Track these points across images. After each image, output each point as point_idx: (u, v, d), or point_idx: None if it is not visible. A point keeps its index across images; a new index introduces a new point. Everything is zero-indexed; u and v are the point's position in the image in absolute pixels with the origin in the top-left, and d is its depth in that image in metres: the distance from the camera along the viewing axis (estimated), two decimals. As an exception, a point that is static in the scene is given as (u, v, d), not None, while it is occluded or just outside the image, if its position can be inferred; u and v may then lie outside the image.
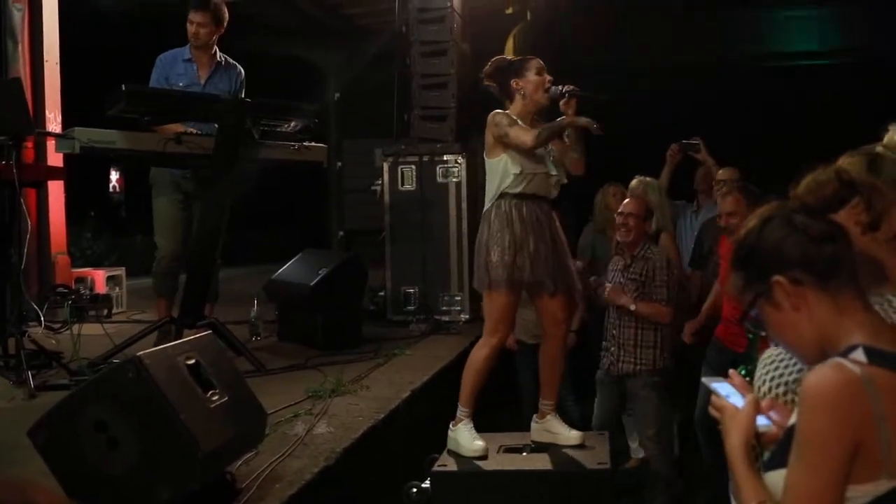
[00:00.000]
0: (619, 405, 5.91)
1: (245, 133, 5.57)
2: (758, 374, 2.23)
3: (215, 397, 3.31)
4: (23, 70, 7.72)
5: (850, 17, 14.84)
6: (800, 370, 2.11)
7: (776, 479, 1.83)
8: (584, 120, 4.32)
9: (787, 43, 15.60)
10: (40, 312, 5.94)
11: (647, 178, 6.39)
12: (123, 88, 5.14)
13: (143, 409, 3.04)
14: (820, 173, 2.06)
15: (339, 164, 11.10)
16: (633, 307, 5.41)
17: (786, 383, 2.16)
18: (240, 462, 3.63)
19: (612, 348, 5.56)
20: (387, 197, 7.96)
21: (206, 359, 3.39)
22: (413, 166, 7.87)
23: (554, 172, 4.41)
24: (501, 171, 4.34)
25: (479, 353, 4.39)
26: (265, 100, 5.71)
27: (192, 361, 3.31)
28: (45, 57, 7.93)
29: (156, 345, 4.75)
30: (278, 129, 5.88)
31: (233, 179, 5.68)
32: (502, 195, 4.33)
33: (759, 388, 2.20)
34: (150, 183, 6.23)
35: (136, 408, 3.05)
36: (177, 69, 6.18)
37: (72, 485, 3.15)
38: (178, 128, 5.74)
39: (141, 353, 3.15)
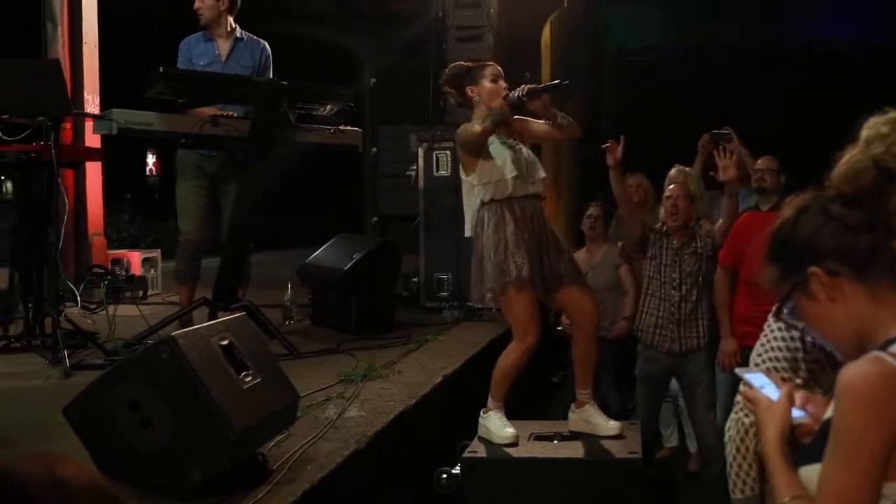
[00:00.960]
0: (663, 396, 5.89)
1: (281, 116, 5.58)
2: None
3: (248, 378, 3.32)
4: (62, 52, 7.80)
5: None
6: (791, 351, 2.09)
7: (811, 473, 1.80)
8: (512, 98, 4.26)
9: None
10: (77, 292, 6.00)
11: (686, 168, 6.34)
12: (161, 70, 5.17)
13: (176, 389, 3.06)
14: (857, 161, 2.01)
15: (375, 149, 11.09)
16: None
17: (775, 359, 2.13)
18: (272, 443, 3.65)
19: (671, 325, 5.50)
20: (421, 182, 7.94)
21: (239, 340, 3.40)
22: (448, 152, 7.83)
23: (513, 174, 4.27)
24: (475, 186, 4.30)
25: (511, 357, 4.34)
26: (301, 82, 5.71)
27: (225, 342, 3.32)
28: (84, 39, 8.00)
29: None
30: (314, 113, 5.88)
31: (269, 162, 5.70)
32: (490, 202, 4.28)
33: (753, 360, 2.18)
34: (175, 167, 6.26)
35: (169, 387, 3.07)
36: (198, 50, 6.20)
37: (106, 462, 3.18)
38: (213, 110, 5.75)
39: (175, 333, 3.17)
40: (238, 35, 6.26)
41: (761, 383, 1.99)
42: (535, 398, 7.08)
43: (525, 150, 4.39)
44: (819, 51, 15.14)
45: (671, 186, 5.60)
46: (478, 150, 4.28)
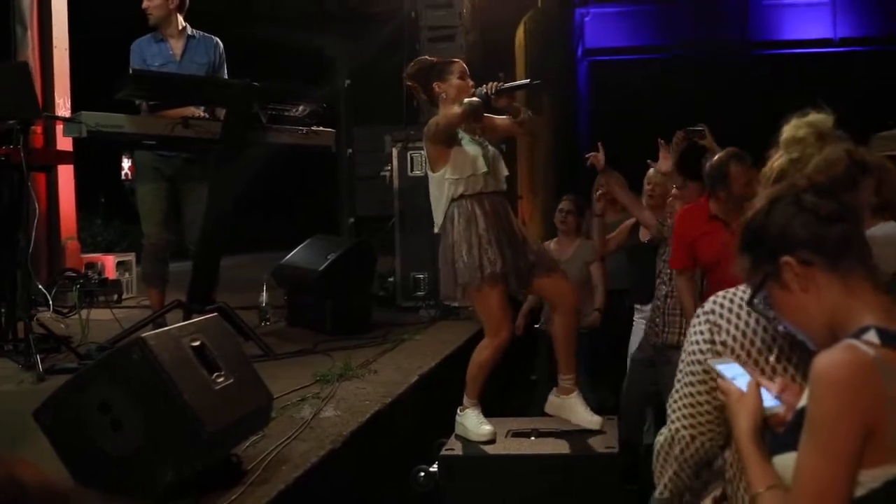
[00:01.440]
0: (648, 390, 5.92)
1: (253, 117, 5.56)
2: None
3: (220, 379, 3.30)
4: (32, 56, 7.75)
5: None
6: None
7: (785, 462, 1.80)
8: (481, 94, 4.21)
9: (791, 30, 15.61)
10: (49, 297, 5.95)
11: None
12: (131, 73, 5.14)
13: (147, 391, 3.04)
14: (830, 152, 2.02)
15: (350, 150, 11.07)
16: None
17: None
18: (246, 444, 3.63)
19: (657, 318, 5.52)
20: (396, 183, 7.94)
21: (211, 341, 3.38)
22: (422, 152, 7.81)
23: (484, 170, 4.27)
24: (446, 181, 4.27)
25: (484, 353, 4.33)
26: (273, 83, 5.69)
27: (197, 343, 3.30)
28: (54, 43, 7.95)
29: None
30: (286, 114, 5.86)
31: (241, 163, 5.67)
32: (460, 198, 4.26)
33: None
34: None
35: (140, 389, 3.05)
36: (151, 51, 6.10)
37: (77, 466, 3.16)
38: (190, 111, 5.72)
39: (146, 334, 3.15)
40: (190, 33, 6.18)
41: (733, 374, 1.98)
42: (512, 396, 7.08)
43: (491, 148, 4.39)
44: (793, 53, 15.31)
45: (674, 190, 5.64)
46: (452, 138, 4.25)
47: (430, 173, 4.38)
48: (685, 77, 14.51)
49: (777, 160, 2.04)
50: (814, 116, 2.09)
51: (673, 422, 2.19)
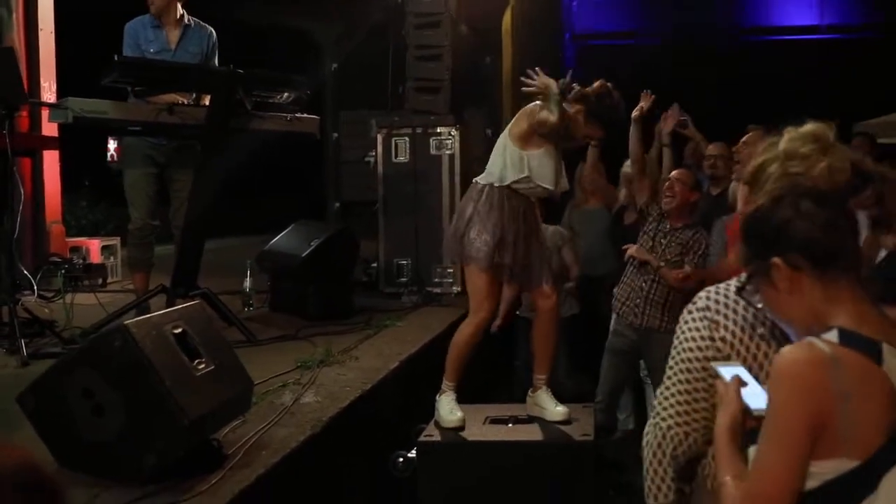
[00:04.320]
0: (627, 376, 6.00)
1: (237, 104, 5.59)
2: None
3: (202, 366, 3.36)
4: (17, 39, 7.73)
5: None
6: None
7: (752, 452, 1.89)
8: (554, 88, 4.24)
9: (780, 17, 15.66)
10: (33, 281, 5.99)
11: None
12: (116, 59, 5.16)
13: (129, 377, 3.10)
14: (835, 160, 2.05)
15: (336, 135, 11.08)
16: (661, 265, 5.49)
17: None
18: (227, 429, 3.69)
19: (638, 300, 5.60)
20: (380, 169, 7.96)
21: (193, 328, 3.44)
22: (407, 138, 7.87)
23: (550, 187, 4.36)
24: (517, 164, 4.30)
25: (464, 331, 4.41)
26: (257, 70, 5.72)
27: (179, 330, 3.36)
28: (40, 26, 7.93)
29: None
30: (270, 101, 5.90)
31: (225, 149, 5.71)
32: (500, 186, 4.31)
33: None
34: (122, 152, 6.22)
35: (122, 375, 3.11)
36: (147, 36, 6.11)
37: (60, 450, 3.23)
38: (174, 97, 5.75)
39: (128, 321, 3.21)
40: (186, 21, 6.19)
41: (734, 376, 2.02)
42: (497, 382, 7.16)
43: (562, 164, 4.44)
44: (782, 40, 15.35)
45: (673, 173, 5.74)
46: (550, 137, 4.29)
47: (508, 141, 4.34)
48: (674, 62, 14.53)
49: (771, 165, 2.06)
50: (814, 127, 2.07)
51: (664, 418, 2.22)
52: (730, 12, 16.14)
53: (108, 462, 3.15)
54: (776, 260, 1.90)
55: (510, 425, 4.51)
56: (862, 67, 14.06)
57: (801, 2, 15.87)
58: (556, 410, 4.48)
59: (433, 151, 7.83)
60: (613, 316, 5.83)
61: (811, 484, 1.80)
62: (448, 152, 7.81)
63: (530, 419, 4.53)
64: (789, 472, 1.79)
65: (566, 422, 4.45)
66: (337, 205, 11.42)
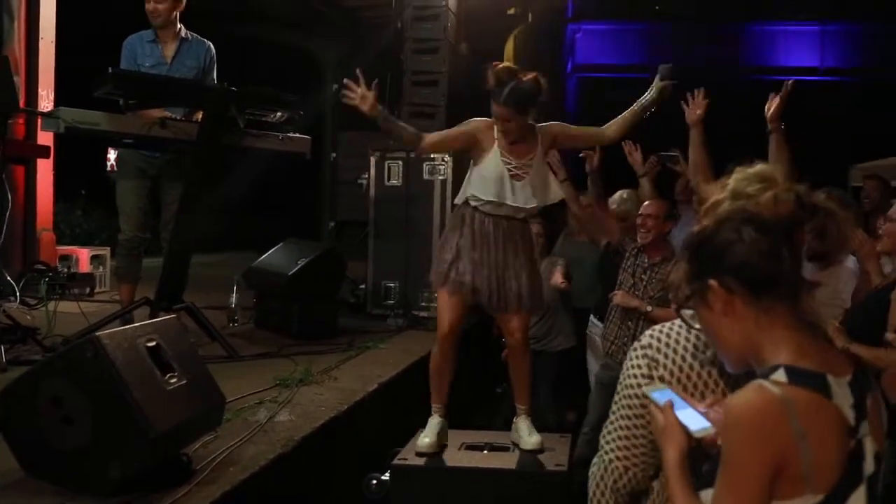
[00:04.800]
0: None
1: (229, 121, 5.62)
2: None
3: (173, 380, 3.37)
4: (18, 47, 7.78)
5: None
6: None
7: (708, 497, 1.88)
8: None
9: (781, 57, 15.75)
10: (16, 287, 5.99)
11: (627, 191, 6.48)
12: (110, 71, 5.20)
13: (98, 388, 3.10)
14: (782, 192, 2.07)
15: (334, 154, 11.14)
16: (648, 309, 5.46)
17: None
18: (198, 444, 3.70)
19: (626, 339, 5.55)
20: (373, 191, 7.99)
21: (167, 342, 3.45)
22: (400, 162, 7.90)
23: (493, 199, 4.25)
24: (467, 180, 4.35)
25: (432, 354, 4.44)
26: (251, 89, 5.75)
27: (152, 343, 3.37)
28: (41, 34, 7.99)
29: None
30: (263, 119, 5.93)
31: (215, 165, 5.74)
32: (464, 204, 4.33)
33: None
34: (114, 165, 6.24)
35: (91, 386, 3.11)
36: (143, 50, 6.15)
37: (27, 459, 3.23)
38: (159, 112, 5.78)
39: (100, 333, 3.22)
40: (184, 36, 6.23)
41: (666, 400, 2.03)
42: (477, 408, 7.15)
43: (530, 175, 4.29)
44: (780, 80, 15.41)
45: (644, 204, 5.71)
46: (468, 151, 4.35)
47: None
48: (673, 97, 14.58)
49: (721, 205, 2.07)
50: (762, 167, 2.05)
51: (607, 452, 2.24)
52: (733, 49, 16.23)
53: (74, 472, 3.15)
54: (712, 282, 1.91)
55: (485, 452, 4.51)
56: (861, 109, 14.13)
57: (803, 44, 15.98)
58: (528, 440, 4.48)
59: (426, 176, 7.86)
60: (592, 344, 5.83)
61: None
62: (441, 177, 7.83)
63: (506, 447, 4.53)
64: None
65: (540, 451, 4.45)
66: (332, 224, 11.46)
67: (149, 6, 6.12)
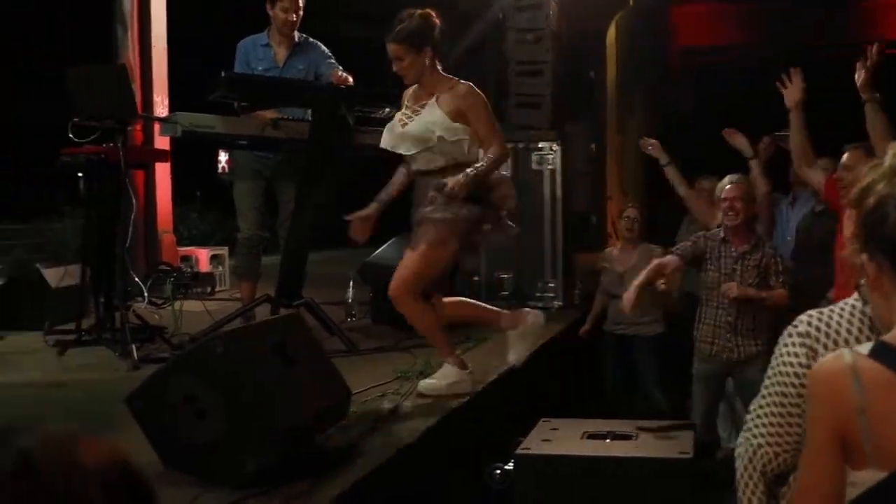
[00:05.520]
0: (721, 396, 5.90)
1: (340, 119, 5.70)
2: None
3: (299, 374, 3.43)
4: (132, 55, 8.02)
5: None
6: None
7: (855, 477, 1.86)
8: None
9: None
10: (144, 288, 6.19)
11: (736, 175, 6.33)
12: (223, 75, 5.33)
13: (228, 383, 3.18)
14: None
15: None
16: (764, 295, 5.36)
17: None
18: (324, 436, 3.76)
19: (728, 335, 5.50)
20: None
21: (292, 336, 3.52)
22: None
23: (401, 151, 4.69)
24: None
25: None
26: (357, 87, 5.82)
27: (278, 339, 3.44)
28: (154, 42, 8.22)
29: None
30: (373, 116, 5.99)
31: (328, 163, 5.82)
32: None
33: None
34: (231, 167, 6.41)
35: (222, 381, 3.20)
36: (256, 54, 6.30)
37: (165, 451, 3.33)
38: (272, 113, 5.90)
39: (229, 330, 3.30)
40: (296, 39, 6.36)
41: None
42: (582, 401, 7.11)
43: (414, 121, 4.67)
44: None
45: (727, 188, 5.57)
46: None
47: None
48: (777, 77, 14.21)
49: (878, 184, 2.00)
50: None
51: (755, 436, 2.21)
52: (844, 25, 15.71)
53: (209, 464, 3.24)
54: (864, 256, 1.88)
55: (608, 441, 4.48)
56: None
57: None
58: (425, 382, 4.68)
59: (535, 166, 7.82)
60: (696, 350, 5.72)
61: (853, 492, 1.78)
62: (550, 167, 7.78)
63: (629, 435, 4.49)
64: (819, 480, 1.80)
65: (667, 437, 4.40)
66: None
67: (282, 16, 6.24)
